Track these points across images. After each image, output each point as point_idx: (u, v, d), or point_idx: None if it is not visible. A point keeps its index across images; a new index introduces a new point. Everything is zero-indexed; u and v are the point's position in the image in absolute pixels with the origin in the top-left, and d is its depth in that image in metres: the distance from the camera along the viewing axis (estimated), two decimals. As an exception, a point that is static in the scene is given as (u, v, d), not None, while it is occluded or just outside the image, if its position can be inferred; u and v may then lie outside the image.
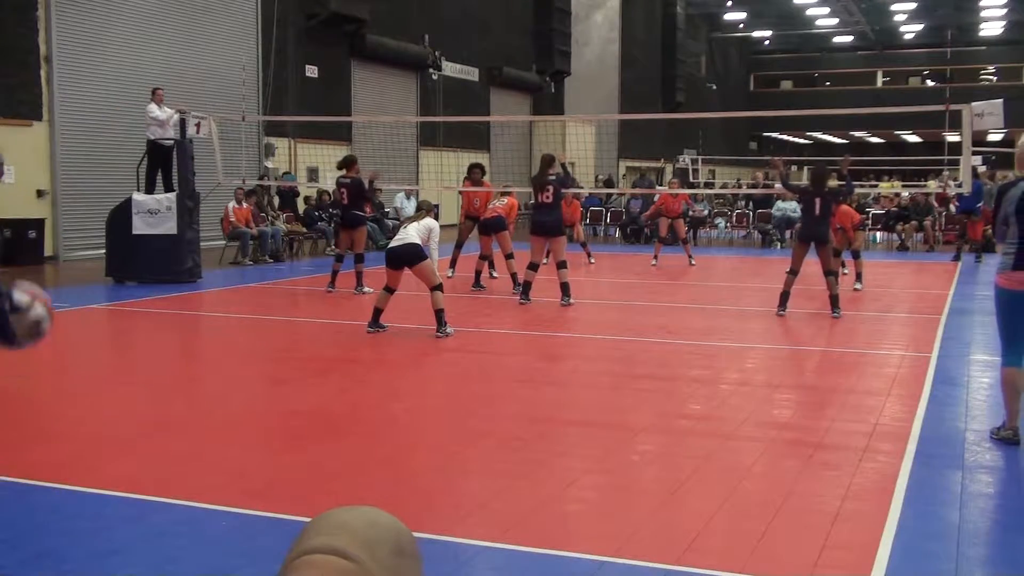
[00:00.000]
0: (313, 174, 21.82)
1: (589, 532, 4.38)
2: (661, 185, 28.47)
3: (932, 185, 23.88)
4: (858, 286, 13.40)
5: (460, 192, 14.67)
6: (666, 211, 17.19)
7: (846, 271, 14.17)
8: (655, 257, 16.91)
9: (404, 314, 10.24)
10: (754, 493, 4.83)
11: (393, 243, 9.59)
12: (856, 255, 13.76)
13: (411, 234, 9.34)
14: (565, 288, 11.48)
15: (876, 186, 23.57)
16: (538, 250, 11.79)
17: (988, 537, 4.35)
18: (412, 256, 9.28)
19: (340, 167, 12.88)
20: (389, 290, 9.48)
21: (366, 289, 12.49)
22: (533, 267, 11.74)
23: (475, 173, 14.38)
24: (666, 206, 17.19)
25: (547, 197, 11.55)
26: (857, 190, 17.26)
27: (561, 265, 11.55)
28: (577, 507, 4.71)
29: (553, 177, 11.61)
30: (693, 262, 16.95)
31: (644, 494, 4.87)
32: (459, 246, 14.37)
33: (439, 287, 9.37)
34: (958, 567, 3.93)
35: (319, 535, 1.28)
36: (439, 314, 9.30)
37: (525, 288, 11.74)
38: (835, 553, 4.05)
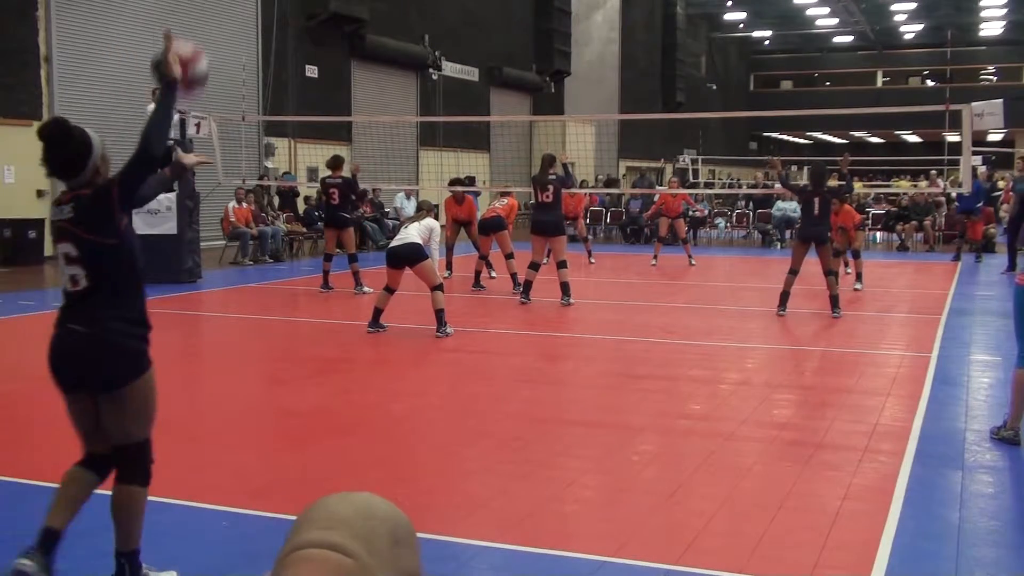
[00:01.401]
0: (313, 174, 21.81)
1: (589, 532, 4.38)
2: (661, 185, 28.51)
3: (922, 185, 23.97)
4: (858, 286, 13.40)
5: (445, 200, 14.77)
6: (666, 211, 17.20)
7: (848, 270, 14.16)
8: (655, 257, 16.91)
9: (404, 314, 10.24)
10: (754, 493, 4.83)
11: (394, 243, 9.60)
12: (856, 255, 13.76)
13: (412, 234, 9.36)
14: (565, 288, 11.48)
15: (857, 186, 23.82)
16: (539, 249, 11.80)
17: (988, 537, 4.34)
18: (413, 256, 9.29)
19: (330, 167, 12.86)
20: (389, 290, 9.49)
21: (366, 288, 12.49)
22: (534, 267, 11.75)
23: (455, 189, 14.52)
24: (666, 206, 17.20)
25: (547, 197, 11.57)
26: (857, 189, 17.32)
27: (561, 265, 11.55)
28: (577, 507, 4.71)
29: (553, 177, 11.62)
30: (693, 262, 16.95)
31: (644, 494, 4.87)
32: (450, 248, 14.38)
33: (440, 287, 9.38)
34: (958, 567, 3.93)
35: (313, 528, 1.21)
36: (439, 314, 9.31)
37: (526, 288, 11.75)
38: (835, 553, 4.04)
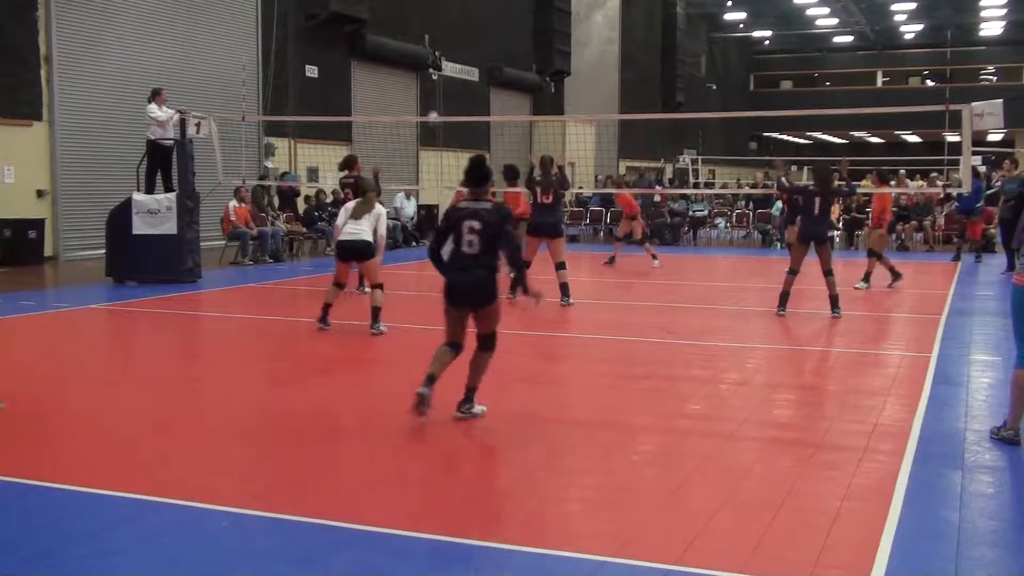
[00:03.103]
0: (313, 174, 21.82)
1: (589, 532, 4.38)
2: (661, 185, 28.50)
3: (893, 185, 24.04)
4: (860, 285, 13.42)
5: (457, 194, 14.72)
6: (625, 211, 17.33)
7: (899, 280, 13.86)
8: (655, 257, 16.74)
9: (404, 314, 10.25)
10: (754, 493, 4.83)
11: (346, 236, 9.67)
12: (871, 254, 13.81)
13: (364, 228, 9.54)
14: (564, 288, 11.47)
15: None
16: (532, 250, 11.76)
17: (988, 537, 4.35)
18: (363, 252, 9.55)
19: (343, 168, 12.86)
20: (339, 285, 9.69)
21: (366, 289, 12.48)
22: (526, 265, 11.70)
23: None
24: (625, 206, 17.33)
25: (548, 198, 11.59)
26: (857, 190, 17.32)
27: (560, 266, 11.54)
28: (577, 507, 4.71)
29: (555, 179, 11.66)
30: (657, 263, 16.67)
31: (644, 494, 4.87)
32: None
33: (381, 285, 9.61)
34: (958, 567, 3.93)
35: None
36: (376, 311, 9.48)
37: (514, 286, 11.70)
38: (835, 553, 4.05)
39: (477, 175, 6.30)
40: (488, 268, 6.14)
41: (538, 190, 11.72)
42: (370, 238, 9.55)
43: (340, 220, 9.92)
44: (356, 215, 9.64)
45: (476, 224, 6.08)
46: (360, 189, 10.13)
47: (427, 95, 26.28)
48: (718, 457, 5.47)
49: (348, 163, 12.93)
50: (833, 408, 6.73)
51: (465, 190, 13.80)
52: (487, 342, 6.30)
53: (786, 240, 17.03)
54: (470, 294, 6.19)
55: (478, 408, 6.25)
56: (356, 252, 9.61)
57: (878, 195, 13.59)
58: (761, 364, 8.61)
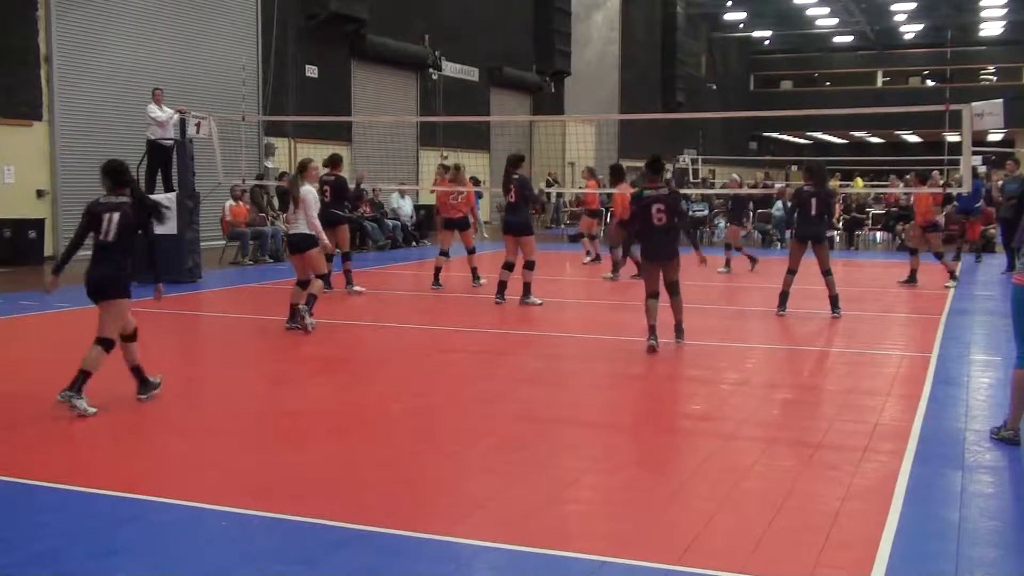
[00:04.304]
0: (312, 174, 21.78)
1: (589, 532, 4.38)
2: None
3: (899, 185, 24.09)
4: (951, 283, 13.84)
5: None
6: (587, 205, 17.61)
7: (956, 281, 14.14)
8: (588, 253, 17.29)
9: (404, 313, 10.24)
10: (754, 493, 4.83)
11: (292, 229, 9.76)
12: (938, 256, 14.06)
13: (300, 218, 9.57)
14: (526, 288, 11.49)
15: (849, 185, 24.00)
16: (511, 249, 11.77)
17: (988, 537, 4.35)
18: (300, 244, 9.64)
19: (326, 165, 12.78)
20: (302, 284, 9.72)
21: (357, 288, 12.46)
22: (508, 266, 11.72)
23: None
24: (588, 202, 17.67)
25: (511, 197, 11.65)
26: (850, 190, 17.35)
27: (528, 265, 11.53)
28: (577, 507, 4.71)
29: (517, 176, 11.66)
30: (585, 261, 17.18)
31: (644, 494, 4.87)
32: (472, 252, 13.91)
33: (323, 276, 9.79)
34: (958, 567, 3.93)
35: None
36: (311, 299, 9.59)
37: (500, 288, 11.68)
38: (835, 553, 4.05)
39: (656, 166, 9.14)
40: (673, 233, 8.89)
41: (507, 189, 11.79)
42: (306, 229, 9.54)
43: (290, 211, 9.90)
44: (295, 210, 9.60)
45: (663, 206, 8.75)
46: (300, 166, 10.02)
47: (427, 95, 26.28)
48: (718, 457, 5.47)
49: (333, 162, 12.76)
50: (833, 408, 6.73)
51: (440, 189, 13.87)
52: (674, 288, 8.87)
53: (728, 239, 17.21)
54: (664, 252, 8.79)
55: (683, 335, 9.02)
56: (294, 245, 9.67)
57: (920, 196, 13.78)
58: (761, 364, 8.61)
